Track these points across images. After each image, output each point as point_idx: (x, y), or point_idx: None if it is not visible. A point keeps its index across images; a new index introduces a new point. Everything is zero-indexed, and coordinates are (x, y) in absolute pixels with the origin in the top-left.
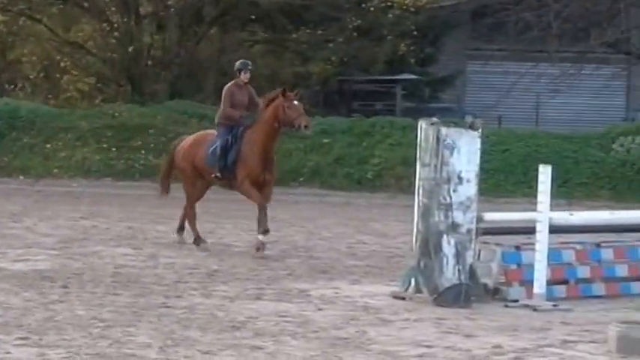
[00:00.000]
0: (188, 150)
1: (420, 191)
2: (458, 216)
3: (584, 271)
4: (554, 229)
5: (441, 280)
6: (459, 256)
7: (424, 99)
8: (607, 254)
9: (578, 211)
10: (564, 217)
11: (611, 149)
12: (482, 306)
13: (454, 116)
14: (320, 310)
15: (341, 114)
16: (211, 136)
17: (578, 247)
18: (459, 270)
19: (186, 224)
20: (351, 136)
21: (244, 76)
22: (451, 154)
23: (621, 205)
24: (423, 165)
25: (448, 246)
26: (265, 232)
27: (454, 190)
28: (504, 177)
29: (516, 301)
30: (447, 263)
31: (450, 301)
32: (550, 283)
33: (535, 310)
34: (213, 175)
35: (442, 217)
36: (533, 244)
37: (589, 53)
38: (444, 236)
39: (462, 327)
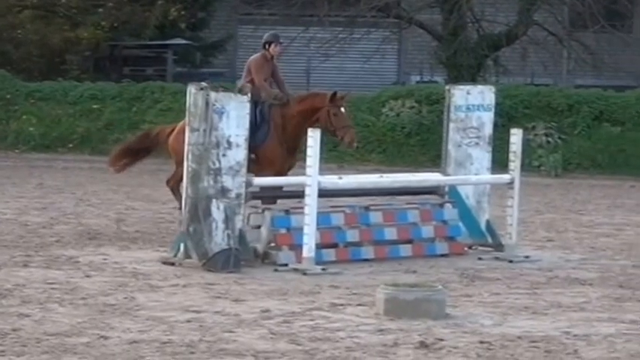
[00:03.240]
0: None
1: (190, 156)
2: (227, 181)
3: (353, 235)
4: (323, 193)
5: (210, 245)
6: (228, 220)
7: (196, 64)
8: (376, 217)
9: (348, 175)
10: (333, 180)
11: (381, 113)
12: (252, 270)
13: (226, 81)
14: (88, 276)
15: (111, 79)
16: None
17: (347, 210)
18: (228, 235)
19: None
20: (122, 102)
21: (274, 50)
22: (220, 118)
23: (391, 169)
24: (192, 130)
25: (217, 211)
26: None
27: (223, 155)
28: None
29: (286, 265)
30: (217, 228)
31: (220, 266)
32: (319, 246)
33: (304, 273)
34: None
35: (211, 182)
36: (302, 208)
37: (360, 17)
38: (214, 201)
39: (231, 292)
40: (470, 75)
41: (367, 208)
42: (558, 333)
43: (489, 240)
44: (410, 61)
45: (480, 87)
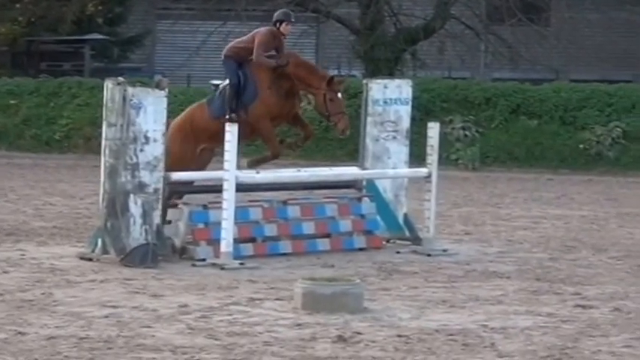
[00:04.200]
0: (186, 117)
1: (107, 151)
2: (145, 176)
3: (271, 229)
4: (241, 188)
5: (128, 240)
6: (146, 216)
7: (113, 59)
8: (294, 212)
9: (266, 169)
10: (251, 175)
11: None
12: (170, 266)
13: (144, 76)
14: (6, 272)
15: (29, 75)
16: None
17: (265, 205)
18: (146, 230)
19: None
20: (39, 97)
21: (285, 29)
22: (137, 113)
23: (309, 163)
24: (110, 125)
25: (135, 206)
26: (253, 162)
27: (141, 150)
28: None
29: (204, 260)
30: (134, 223)
31: (137, 262)
32: (237, 241)
33: (222, 268)
34: (226, 117)
35: (129, 177)
36: (220, 202)
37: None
38: (131, 196)
39: (149, 287)
40: (387, 69)
41: (285, 203)
42: (476, 326)
43: (407, 234)
44: (328, 55)
45: (397, 81)
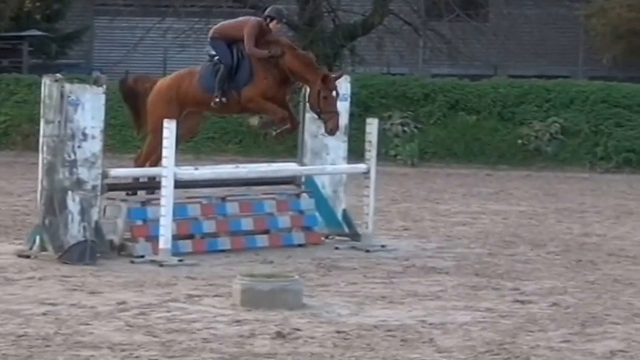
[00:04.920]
0: (173, 82)
1: (45, 148)
2: (83, 172)
3: (209, 226)
4: (179, 184)
5: (66, 237)
6: (84, 212)
7: (51, 55)
8: (232, 208)
9: (204, 165)
10: (189, 171)
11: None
12: (108, 263)
13: (82, 72)
14: None
15: None
16: (198, 69)
17: (203, 201)
18: (84, 227)
19: None
20: None
21: (274, 26)
22: (75, 110)
23: (248, 159)
24: (47, 122)
25: (73, 203)
26: (264, 124)
27: (79, 147)
28: (132, 133)
29: (142, 257)
30: (72, 220)
31: (75, 259)
32: (176, 238)
33: (161, 265)
34: (216, 99)
35: (67, 174)
36: (158, 199)
37: (216, 8)
38: (69, 193)
39: (87, 284)
40: (326, 65)
41: (223, 199)
42: (414, 322)
43: (346, 229)
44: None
45: None
